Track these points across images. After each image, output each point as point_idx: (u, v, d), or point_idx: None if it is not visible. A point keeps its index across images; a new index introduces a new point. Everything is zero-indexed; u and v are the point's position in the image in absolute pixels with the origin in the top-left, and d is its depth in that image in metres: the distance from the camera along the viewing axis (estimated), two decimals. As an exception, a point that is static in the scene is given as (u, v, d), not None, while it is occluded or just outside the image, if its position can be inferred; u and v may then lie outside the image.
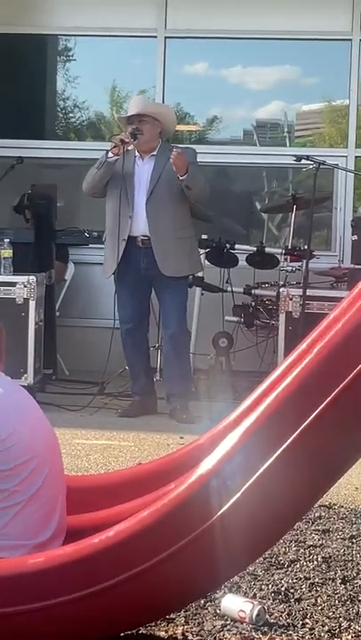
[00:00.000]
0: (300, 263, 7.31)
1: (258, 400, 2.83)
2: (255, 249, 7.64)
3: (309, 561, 3.75)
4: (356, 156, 8.74)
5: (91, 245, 7.98)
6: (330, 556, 3.81)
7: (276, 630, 3.07)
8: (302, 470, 2.52)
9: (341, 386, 2.45)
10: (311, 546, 3.94)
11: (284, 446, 2.47)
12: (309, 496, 2.64)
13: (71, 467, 5.14)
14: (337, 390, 2.45)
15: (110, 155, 6.47)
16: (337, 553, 3.86)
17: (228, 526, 2.52)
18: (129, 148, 6.54)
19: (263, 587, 3.45)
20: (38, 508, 2.87)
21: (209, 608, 3.22)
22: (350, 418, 2.48)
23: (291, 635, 3.05)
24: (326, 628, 3.11)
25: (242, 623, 3.09)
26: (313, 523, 4.27)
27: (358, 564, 3.74)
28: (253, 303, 7.61)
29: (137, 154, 6.64)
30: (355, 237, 7.86)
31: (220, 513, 2.52)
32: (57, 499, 2.95)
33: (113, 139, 6.61)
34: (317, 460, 2.53)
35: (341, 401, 2.45)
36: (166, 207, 6.53)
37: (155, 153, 6.61)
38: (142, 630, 3.00)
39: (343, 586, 3.49)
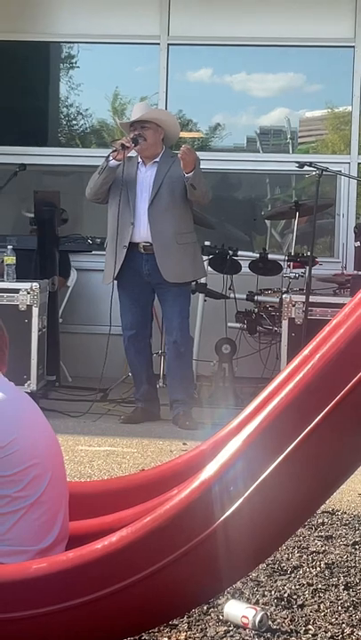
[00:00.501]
0: (303, 270, 7.31)
1: (260, 406, 2.83)
2: (258, 255, 7.66)
3: (312, 567, 3.76)
4: (359, 163, 8.74)
5: (94, 252, 7.98)
6: (333, 563, 3.81)
7: (278, 636, 3.07)
8: (305, 475, 2.52)
9: (344, 391, 2.44)
10: (314, 552, 3.94)
11: (287, 452, 2.47)
12: (312, 501, 2.64)
13: (74, 473, 5.15)
14: (339, 396, 2.44)
15: (111, 159, 6.47)
16: (340, 559, 3.86)
17: (231, 532, 2.52)
18: (130, 154, 6.54)
19: (266, 593, 3.45)
20: (41, 515, 2.87)
21: (212, 614, 3.22)
22: (353, 423, 2.48)
23: (294, 641, 3.05)
24: (329, 634, 3.11)
25: (245, 629, 3.10)
26: (316, 529, 4.27)
27: (361, 570, 3.74)
28: (256, 310, 7.61)
29: (140, 160, 6.64)
30: (358, 244, 7.88)
31: (222, 518, 2.51)
32: (60, 504, 2.95)
33: (114, 143, 6.61)
34: (320, 465, 2.52)
35: (344, 406, 2.45)
36: (168, 213, 6.53)
37: (157, 159, 6.62)
38: (145, 636, 3.01)
39: (346, 592, 3.49)
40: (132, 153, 6.59)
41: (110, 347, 6.50)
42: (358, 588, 3.54)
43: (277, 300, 7.36)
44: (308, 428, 2.46)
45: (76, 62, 9.49)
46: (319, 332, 2.88)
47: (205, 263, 7.39)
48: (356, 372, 2.45)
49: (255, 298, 7.61)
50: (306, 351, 2.86)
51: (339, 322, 2.72)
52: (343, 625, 3.19)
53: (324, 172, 7.04)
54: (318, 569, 3.73)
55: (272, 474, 2.48)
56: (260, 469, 2.50)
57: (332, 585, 3.56)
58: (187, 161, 6.36)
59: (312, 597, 3.43)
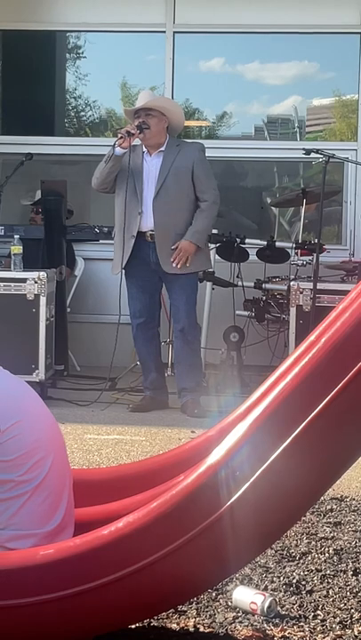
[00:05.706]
0: (310, 257, 7.30)
1: (267, 391, 2.82)
2: (266, 243, 7.63)
3: (321, 553, 3.76)
4: (366, 150, 8.72)
5: (101, 241, 7.98)
6: (341, 549, 3.81)
7: (287, 622, 3.07)
8: (311, 460, 2.52)
9: (350, 375, 2.44)
10: (323, 538, 3.95)
11: (293, 436, 2.47)
12: (319, 485, 2.64)
13: (83, 461, 5.16)
14: (345, 379, 2.44)
15: (117, 147, 6.45)
16: (348, 545, 3.86)
17: (238, 517, 2.52)
18: (135, 142, 6.52)
19: (275, 579, 3.46)
20: (45, 498, 2.88)
21: (220, 600, 3.23)
22: (359, 406, 2.48)
23: (302, 626, 3.05)
24: (338, 619, 3.11)
25: (253, 615, 3.10)
26: (324, 515, 4.28)
27: (370, 555, 3.74)
28: (264, 297, 7.60)
29: (145, 149, 6.62)
30: (365, 230, 7.86)
31: (229, 503, 2.51)
32: (63, 487, 2.96)
33: (119, 131, 6.59)
34: (326, 449, 2.52)
35: (350, 389, 2.44)
36: (174, 203, 6.51)
37: (163, 149, 6.59)
38: (154, 622, 3.01)
39: (355, 578, 3.49)
40: (137, 141, 6.57)
41: (119, 336, 6.50)
42: (367, 573, 3.54)
43: (285, 287, 7.34)
44: (314, 412, 2.46)
45: (81, 51, 9.48)
46: (325, 318, 2.87)
47: (213, 251, 7.37)
48: (362, 356, 2.45)
49: (263, 285, 7.60)
50: (312, 336, 2.85)
51: (344, 307, 2.71)
52: (352, 610, 3.19)
53: (330, 159, 7.01)
54: (327, 555, 3.74)
55: (278, 458, 2.48)
56: (266, 454, 2.50)
57: (341, 571, 3.56)
58: (184, 261, 6.44)
59: (321, 583, 3.43)
